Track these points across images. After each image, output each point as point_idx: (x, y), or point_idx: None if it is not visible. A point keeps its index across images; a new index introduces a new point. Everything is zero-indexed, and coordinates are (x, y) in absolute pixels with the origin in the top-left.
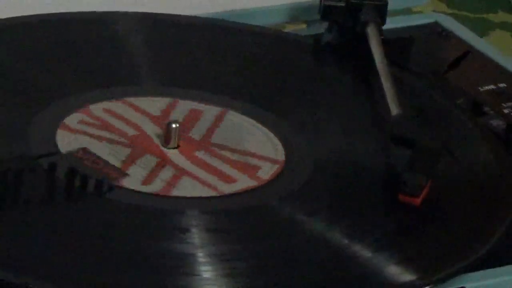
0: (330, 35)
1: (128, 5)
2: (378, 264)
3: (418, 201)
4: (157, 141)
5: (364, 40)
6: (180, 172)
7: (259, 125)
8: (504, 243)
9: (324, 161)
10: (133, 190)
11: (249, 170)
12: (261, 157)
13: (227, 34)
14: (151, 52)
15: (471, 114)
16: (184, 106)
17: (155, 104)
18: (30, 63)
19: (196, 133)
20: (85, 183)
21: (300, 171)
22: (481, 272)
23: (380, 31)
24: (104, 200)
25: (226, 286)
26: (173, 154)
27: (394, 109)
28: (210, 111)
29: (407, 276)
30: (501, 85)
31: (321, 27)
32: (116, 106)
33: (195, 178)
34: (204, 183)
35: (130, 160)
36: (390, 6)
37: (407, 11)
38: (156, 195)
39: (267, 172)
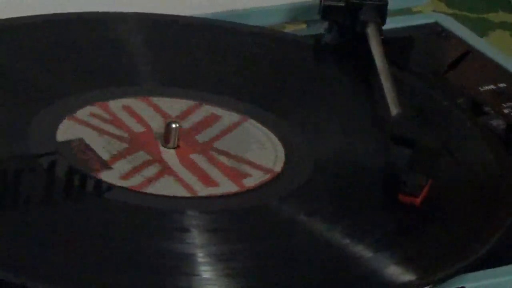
0: (330, 35)
1: (128, 5)
2: (378, 264)
3: (418, 201)
4: (158, 140)
5: (364, 40)
6: (165, 171)
7: (274, 137)
8: (504, 243)
9: (324, 161)
10: (107, 182)
11: (237, 176)
12: (256, 166)
13: (227, 34)
14: (151, 52)
15: (471, 114)
16: (206, 110)
17: (177, 106)
18: (30, 63)
19: (202, 137)
20: (83, 182)
21: (300, 171)
22: (481, 272)
23: (380, 31)
24: (104, 200)
25: (226, 286)
26: (167, 153)
27: (394, 109)
28: (229, 117)
29: (407, 276)
30: (501, 85)
31: (321, 27)
32: (136, 103)
33: (177, 178)
34: (183, 183)
35: (120, 155)
36: (390, 6)
37: (407, 11)
38: (129, 189)
39: (254, 180)
